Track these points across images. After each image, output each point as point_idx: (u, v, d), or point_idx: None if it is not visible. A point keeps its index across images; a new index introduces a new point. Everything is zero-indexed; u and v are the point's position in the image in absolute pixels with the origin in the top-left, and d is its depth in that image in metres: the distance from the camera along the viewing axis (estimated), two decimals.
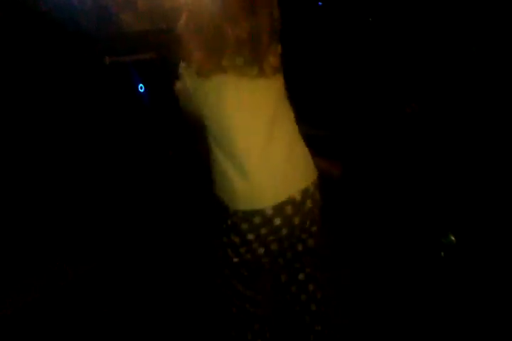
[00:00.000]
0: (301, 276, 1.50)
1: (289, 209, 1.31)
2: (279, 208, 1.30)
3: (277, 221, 1.31)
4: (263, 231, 1.31)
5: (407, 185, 2.49)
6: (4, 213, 2.56)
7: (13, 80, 2.64)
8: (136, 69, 2.69)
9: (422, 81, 2.69)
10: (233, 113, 1.27)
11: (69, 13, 2.77)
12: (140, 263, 2.29)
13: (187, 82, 1.29)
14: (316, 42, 3.05)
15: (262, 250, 1.35)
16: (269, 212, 1.30)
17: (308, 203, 1.36)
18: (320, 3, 3.14)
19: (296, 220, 1.34)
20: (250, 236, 1.32)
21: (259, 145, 1.29)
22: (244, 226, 1.31)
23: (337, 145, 2.66)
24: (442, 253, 2.14)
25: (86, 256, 2.34)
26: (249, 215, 1.30)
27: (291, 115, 1.38)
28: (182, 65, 1.30)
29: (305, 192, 1.34)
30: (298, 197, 1.33)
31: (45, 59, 2.69)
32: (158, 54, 2.70)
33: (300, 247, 1.45)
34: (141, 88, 2.68)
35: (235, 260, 1.38)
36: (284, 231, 1.34)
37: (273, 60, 1.26)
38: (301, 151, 1.39)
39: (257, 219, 1.30)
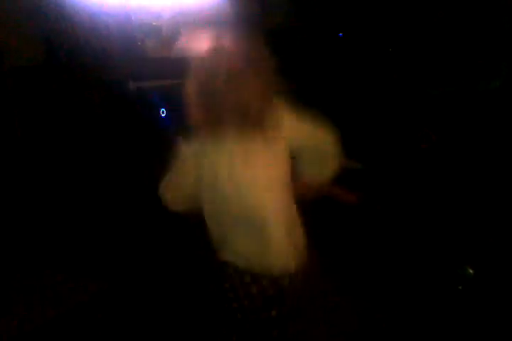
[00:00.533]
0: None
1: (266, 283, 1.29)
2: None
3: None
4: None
5: (425, 217, 2.47)
6: (21, 230, 2.61)
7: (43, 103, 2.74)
8: (159, 94, 2.76)
9: (440, 113, 2.71)
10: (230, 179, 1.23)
11: (97, 39, 2.89)
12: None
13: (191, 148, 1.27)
14: (337, 72, 3.10)
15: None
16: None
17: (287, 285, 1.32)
18: (340, 35, 3.21)
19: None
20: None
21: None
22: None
23: (358, 176, 2.67)
24: (460, 287, 2.11)
25: (102, 273, 2.35)
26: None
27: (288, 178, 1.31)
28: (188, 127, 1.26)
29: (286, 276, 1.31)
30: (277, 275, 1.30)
31: (73, 83, 2.79)
32: (181, 80, 2.77)
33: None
34: (163, 112, 2.75)
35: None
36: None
37: (269, 125, 1.22)
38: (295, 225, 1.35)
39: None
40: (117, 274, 2.36)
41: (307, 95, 3.17)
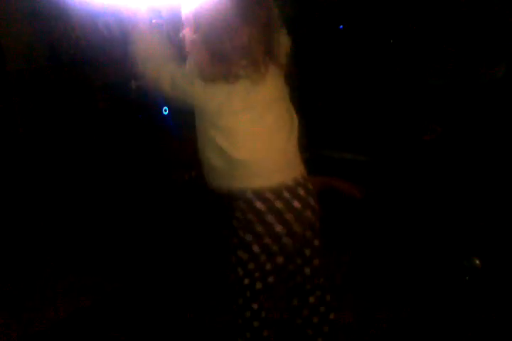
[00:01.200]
0: (311, 299, 1.49)
1: (286, 194, 1.36)
2: (277, 191, 1.35)
3: (279, 204, 1.35)
4: (277, 204, 1.35)
5: (430, 208, 2.46)
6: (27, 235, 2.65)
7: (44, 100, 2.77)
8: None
9: (445, 105, 2.69)
10: (238, 110, 1.35)
11: (97, 39, 2.90)
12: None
13: (193, 83, 1.35)
14: (337, 65, 3.08)
15: (280, 228, 1.36)
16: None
17: (301, 191, 1.38)
18: (341, 27, 3.19)
19: (296, 204, 1.37)
20: (265, 211, 1.35)
21: (260, 134, 1.37)
22: (259, 203, 1.35)
23: (362, 168, 2.67)
24: (467, 278, 2.09)
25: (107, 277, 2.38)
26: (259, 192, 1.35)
27: (292, 112, 1.45)
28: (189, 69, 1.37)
29: (295, 180, 1.38)
30: (290, 183, 1.37)
31: (74, 81, 2.81)
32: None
33: (308, 252, 1.46)
34: (165, 110, 2.76)
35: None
36: (288, 216, 1.36)
37: (273, 65, 1.36)
38: (294, 147, 1.43)
39: (268, 195, 1.35)
40: (129, 272, 2.38)
41: (309, 88, 3.17)
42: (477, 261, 2.11)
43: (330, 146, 2.90)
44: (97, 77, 2.86)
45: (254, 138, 1.37)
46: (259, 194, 1.35)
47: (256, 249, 1.38)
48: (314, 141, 3.21)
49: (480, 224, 2.24)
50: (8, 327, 1.98)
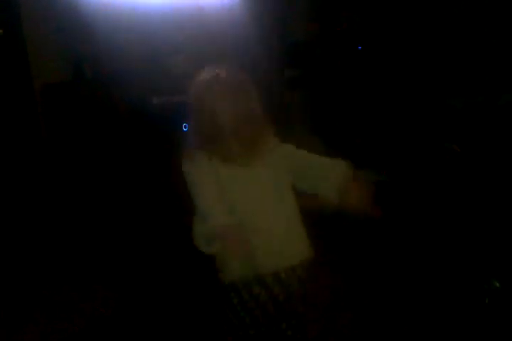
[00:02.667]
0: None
1: (271, 283, 1.39)
2: (261, 280, 1.38)
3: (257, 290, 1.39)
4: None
5: (450, 230, 2.44)
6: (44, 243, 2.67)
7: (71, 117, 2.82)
8: (182, 108, 2.81)
9: (464, 126, 2.69)
10: (233, 189, 1.38)
11: (121, 55, 2.98)
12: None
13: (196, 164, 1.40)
14: (357, 85, 3.11)
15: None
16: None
17: (294, 282, 1.41)
18: (360, 47, 3.23)
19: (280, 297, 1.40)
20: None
21: (258, 217, 1.38)
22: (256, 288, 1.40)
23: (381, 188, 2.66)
24: (487, 300, 2.07)
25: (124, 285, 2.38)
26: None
27: (291, 192, 1.44)
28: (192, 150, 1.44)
29: (292, 270, 1.40)
30: (283, 275, 1.39)
31: (98, 99, 2.87)
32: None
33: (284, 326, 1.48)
34: (185, 127, 2.80)
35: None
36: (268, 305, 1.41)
37: (258, 146, 1.40)
38: (298, 229, 1.44)
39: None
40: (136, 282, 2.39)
41: (329, 108, 3.20)
42: (497, 284, 2.08)
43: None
44: (119, 92, 2.91)
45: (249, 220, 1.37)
46: (249, 281, 1.40)
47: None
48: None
49: (499, 246, 2.22)
50: (28, 336, 1.97)
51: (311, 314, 1.62)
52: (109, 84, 2.89)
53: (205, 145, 1.39)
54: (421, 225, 2.55)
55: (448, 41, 2.85)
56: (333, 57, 3.15)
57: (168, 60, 3.14)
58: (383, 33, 3.09)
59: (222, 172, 1.37)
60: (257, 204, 1.38)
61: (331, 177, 1.38)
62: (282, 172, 1.42)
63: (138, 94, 2.90)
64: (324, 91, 3.13)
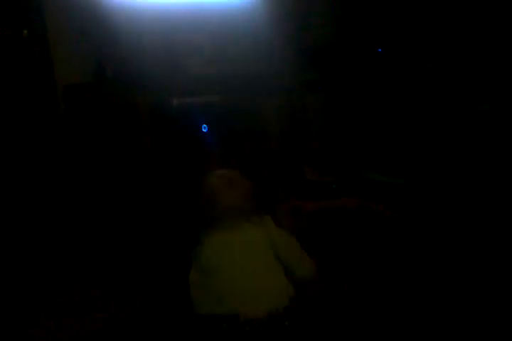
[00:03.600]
0: None
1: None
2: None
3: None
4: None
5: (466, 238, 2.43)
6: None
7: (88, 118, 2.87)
8: (201, 110, 2.85)
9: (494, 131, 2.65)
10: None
11: (142, 57, 3.01)
12: None
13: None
14: (375, 88, 3.10)
15: None
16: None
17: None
18: (380, 50, 3.21)
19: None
20: None
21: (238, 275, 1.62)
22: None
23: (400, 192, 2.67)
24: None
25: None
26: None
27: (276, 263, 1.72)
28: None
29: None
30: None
31: (115, 100, 2.91)
32: (222, 97, 2.88)
33: None
34: (205, 128, 2.83)
35: None
36: None
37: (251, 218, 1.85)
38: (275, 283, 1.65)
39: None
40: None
41: (348, 112, 3.19)
42: None
43: (369, 169, 2.91)
44: (140, 93, 2.95)
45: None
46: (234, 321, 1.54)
47: None
48: (353, 164, 3.24)
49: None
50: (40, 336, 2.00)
51: None
52: (130, 85, 2.93)
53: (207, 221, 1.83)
54: (439, 232, 2.53)
55: (478, 42, 2.81)
56: (353, 60, 3.14)
57: (188, 61, 3.16)
58: (405, 34, 3.07)
59: (214, 237, 1.76)
60: (239, 262, 1.66)
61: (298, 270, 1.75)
62: (264, 242, 1.75)
63: (158, 94, 2.94)
64: (346, 94, 3.12)
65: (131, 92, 2.90)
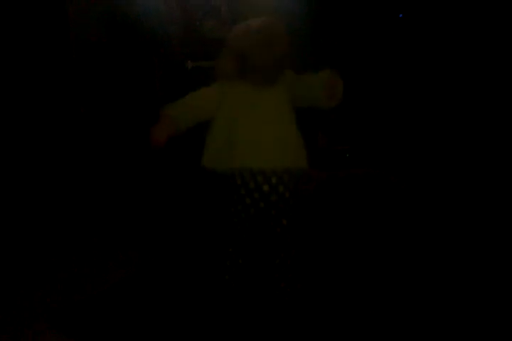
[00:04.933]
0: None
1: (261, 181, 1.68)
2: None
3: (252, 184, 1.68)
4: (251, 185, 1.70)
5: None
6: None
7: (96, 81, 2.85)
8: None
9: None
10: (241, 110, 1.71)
11: (155, 18, 2.96)
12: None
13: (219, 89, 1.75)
14: (395, 54, 3.02)
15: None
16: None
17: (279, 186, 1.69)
18: (401, 15, 3.12)
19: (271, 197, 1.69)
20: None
21: (254, 130, 1.68)
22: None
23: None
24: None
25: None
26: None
27: (292, 116, 1.75)
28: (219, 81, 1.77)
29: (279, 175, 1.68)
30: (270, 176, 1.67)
31: (130, 61, 2.88)
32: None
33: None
34: None
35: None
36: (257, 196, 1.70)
37: (279, 79, 1.73)
38: (291, 144, 1.72)
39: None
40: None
41: (367, 86, 3.11)
42: None
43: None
44: (154, 56, 2.91)
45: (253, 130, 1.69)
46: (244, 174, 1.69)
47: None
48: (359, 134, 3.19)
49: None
50: (45, 298, 1.99)
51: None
52: (143, 47, 2.89)
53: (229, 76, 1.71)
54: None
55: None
56: (373, 25, 3.04)
57: (202, 25, 3.10)
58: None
59: (234, 92, 1.71)
60: (255, 121, 1.68)
61: (317, 79, 1.66)
62: (284, 96, 1.72)
63: (172, 58, 2.90)
64: (365, 69, 3.03)
65: (144, 53, 2.87)
